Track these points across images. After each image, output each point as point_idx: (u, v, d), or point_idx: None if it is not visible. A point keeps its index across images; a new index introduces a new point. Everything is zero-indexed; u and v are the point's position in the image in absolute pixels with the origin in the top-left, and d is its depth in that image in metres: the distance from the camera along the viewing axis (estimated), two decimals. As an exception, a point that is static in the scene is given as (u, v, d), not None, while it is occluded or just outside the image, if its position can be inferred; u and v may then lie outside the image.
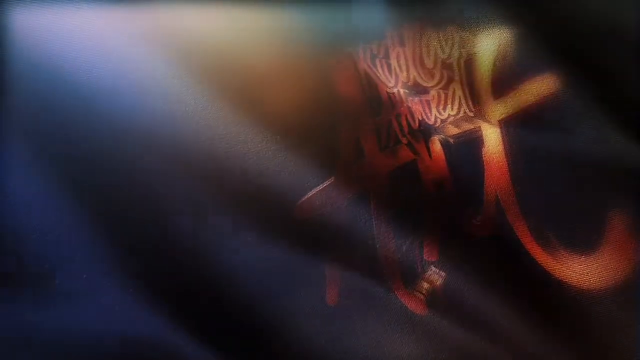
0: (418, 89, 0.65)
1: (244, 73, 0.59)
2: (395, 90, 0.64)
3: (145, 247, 0.58)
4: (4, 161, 0.55)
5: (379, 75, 0.63)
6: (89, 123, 0.56)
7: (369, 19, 0.62)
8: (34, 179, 0.55)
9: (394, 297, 0.63)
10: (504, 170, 0.65)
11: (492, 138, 0.66)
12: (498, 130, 0.65)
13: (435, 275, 0.65)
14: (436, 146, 0.65)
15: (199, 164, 0.59)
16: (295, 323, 0.61)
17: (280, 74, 0.60)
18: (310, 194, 0.61)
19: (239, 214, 0.59)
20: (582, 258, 0.64)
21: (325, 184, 0.61)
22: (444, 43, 0.65)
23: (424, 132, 0.65)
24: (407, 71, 0.64)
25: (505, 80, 0.65)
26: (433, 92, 0.65)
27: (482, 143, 0.66)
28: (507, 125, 0.65)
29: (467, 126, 0.66)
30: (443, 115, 0.66)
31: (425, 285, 0.64)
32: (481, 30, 0.65)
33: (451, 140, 0.65)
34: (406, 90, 0.64)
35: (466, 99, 0.66)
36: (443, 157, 0.65)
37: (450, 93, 0.66)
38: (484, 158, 0.65)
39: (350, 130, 0.62)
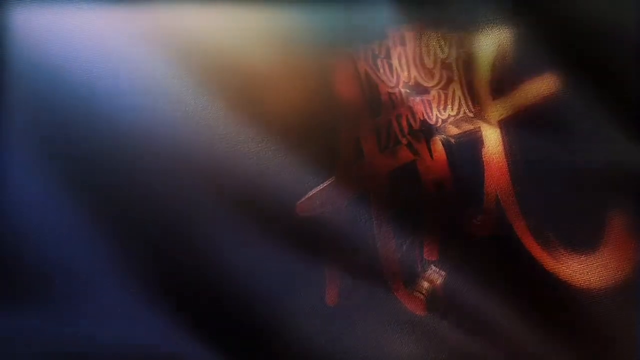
0: (419, 89, 0.65)
1: (244, 73, 0.59)
2: (396, 90, 0.64)
3: (145, 247, 0.58)
4: (3, 161, 0.55)
5: (379, 75, 0.63)
6: (89, 123, 0.56)
7: (370, 19, 0.63)
8: (33, 178, 0.55)
9: (394, 297, 0.63)
10: (504, 171, 0.65)
11: (492, 138, 0.66)
12: (498, 130, 0.65)
13: (436, 275, 0.65)
14: (438, 146, 0.65)
15: (199, 164, 0.59)
16: (295, 323, 0.61)
17: (281, 74, 0.60)
18: (310, 194, 0.61)
19: (238, 214, 0.59)
20: (582, 257, 0.64)
21: (325, 184, 0.61)
22: (442, 43, 0.65)
23: (425, 132, 0.65)
24: (408, 71, 0.64)
25: (504, 80, 0.65)
26: (433, 92, 0.65)
27: (482, 143, 0.66)
28: (507, 125, 0.65)
29: (467, 126, 0.66)
30: (444, 115, 0.66)
31: (426, 284, 0.64)
32: (480, 30, 0.65)
33: (452, 140, 0.65)
34: (407, 90, 0.64)
35: (466, 99, 0.66)
36: (444, 157, 0.65)
37: (450, 93, 0.66)
38: (484, 158, 0.65)
39: (350, 131, 0.62)
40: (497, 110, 0.66)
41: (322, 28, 0.61)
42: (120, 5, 0.57)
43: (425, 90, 0.65)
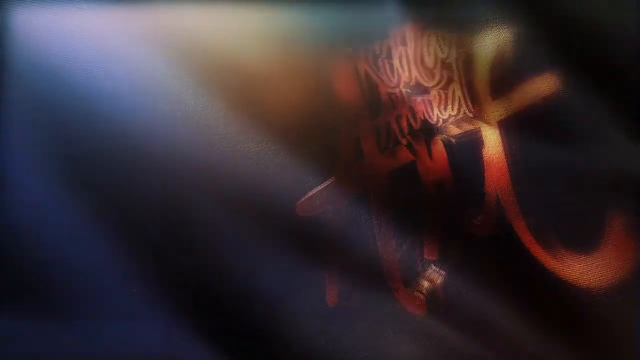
0: (420, 89, 0.65)
1: (244, 73, 0.59)
2: (396, 90, 0.64)
3: (145, 247, 0.58)
4: (3, 160, 0.55)
5: (380, 75, 0.63)
6: (88, 123, 0.56)
7: (371, 19, 0.63)
8: (33, 178, 0.55)
9: (394, 297, 0.63)
10: (504, 171, 0.65)
11: (492, 139, 0.66)
12: (497, 131, 0.65)
13: (436, 274, 0.65)
14: (438, 146, 0.65)
15: (199, 164, 0.59)
16: (296, 323, 0.61)
17: (281, 74, 0.60)
18: (310, 194, 0.61)
19: (238, 214, 0.59)
20: (582, 257, 0.64)
21: (325, 184, 0.61)
22: (442, 43, 0.65)
23: (426, 133, 0.65)
24: (409, 71, 0.64)
25: (504, 80, 0.65)
26: (434, 92, 0.65)
27: (483, 143, 0.66)
28: (507, 126, 0.65)
29: (468, 127, 0.66)
30: (444, 115, 0.66)
31: (426, 284, 0.64)
32: (480, 30, 0.65)
33: (453, 140, 0.65)
34: (408, 90, 0.64)
35: (465, 99, 0.66)
36: (445, 157, 0.65)
37: (450, 93, 0.66)
38: (484, 158, 0.65)
39: (350, 131, 0.62)
40: (497, 110, 0.66)
41: (322, 28, 0.61)
42: (120, 5, 0.57)
43: (425, 90, 0.65)
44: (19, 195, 0.55)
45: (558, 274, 0.64)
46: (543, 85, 0.64)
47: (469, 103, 0.66)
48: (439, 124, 0.66)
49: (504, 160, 0.65)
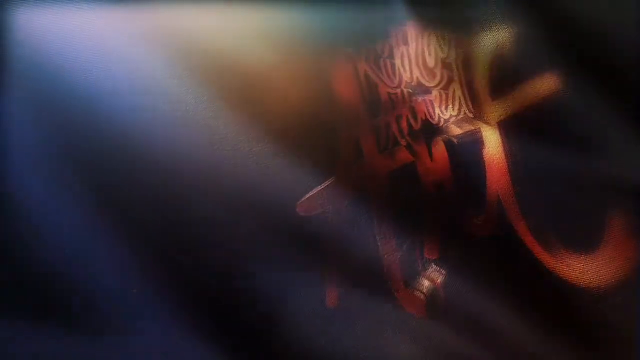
0: (421, 89, 0.65)
1: (244, 73, 0.59)
2: (397, 90, 0.64)
3: (145, 247, 0.57)
4: (3, 160, 0.55)
5: (380, 75, 0.63)
6: (89, 123, 0.56)
7: (372, 19, 0.63)
8: (33, 178, 0.55)
9: (394, 297, 0.63)
10: (504, 171, 0.65)
11: (492, 139, 0.66)
12: (497, 131, 0.66)
13: (436, 273, 0.65)
14: (439, 146, 0.65)
15: (199, 164, 0.59)
16: (295, 324, 0.61)
17: (281, 75, 0.60)
18: (310, 194, 0.61)
19: (238, 214, 0.59)
20: (582, 257, 0.64)
21: (325, 184, 0.61)
22: (443, 42, 0.65)
23: (426, 133, 0.65)
24: (411, 71, 0.64)
25: (504, 81, 0.65)
26: (435, 92, 0.65)
27: (483, 144, 0.66)
28: (507, 126, 0.65)
29: (468, 127, 0.66)
30: (445, 115, 0.66)
31: (426, 283, 0.64)
32: (480, 30, 0.65)
33: (454, 140, 0.65)
34: (409, 90, 0.64)
35: (466, 99, 0.66)
36: (446, 157, 0.65)
37: (450, 93, 0.66)
38: (485, 159, 0.65)
39: (350, 131, 0.62)
40: (497, 111, 0.66)
41: (322, 28, 0.61)
42: (120, 5, 0.57)
43: (427, 90, 0.65)
44: (19, 195, 0.55)
45: (558, 274, 0.64)
46: (543, 85, 0.64)
47: (469, 103, 0.66)
48: (441, 124, 0.66)
49: (504, 160, 0.65)
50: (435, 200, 0.65)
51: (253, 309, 0.60)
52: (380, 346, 0.63)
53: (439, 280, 0.64)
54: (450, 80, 0.65)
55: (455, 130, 0.66)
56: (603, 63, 0.63)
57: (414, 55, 0.64)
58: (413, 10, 0.63)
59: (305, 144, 0.61)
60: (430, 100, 0.65)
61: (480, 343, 0.63)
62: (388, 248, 0.63)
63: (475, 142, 0.66)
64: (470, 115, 0.66)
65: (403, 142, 0.65)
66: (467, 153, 0.65)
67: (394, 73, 0.64)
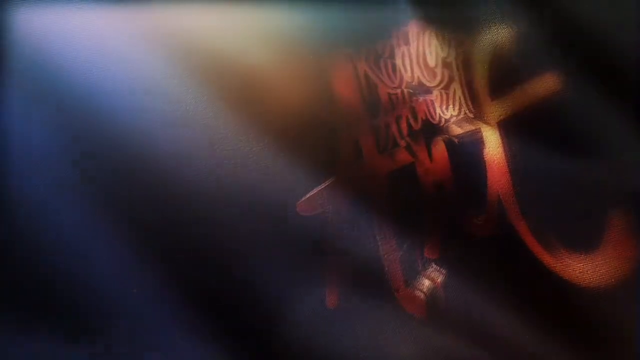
0: (422, 89, 0.65)
1: (244, 73, 0.59)
2: (397, 90, 0.64)
3: (144, 247, 0.57)
4: (3, 160, 0.55)
5: (379, 76, 0.63)
6: (88, 123, 0.56)
7: (373, 19, 0.63)
8: (33, 178, 0.55)
9: (395, 297, 0.63)
10: (504, 171, 0.65)
11: (492, 139, 0.66)
12: (497, 131, 0.66)
13: (436, 273, 0.64)
14: (439, 147, 0.65)
15: (199, 164, 0.59)
16: (296, 324, 0.61)
17: (281, 75, 0.60)
18: (310, 194, 0.61)
19: (238, 214, 0.59)
20: (582, 257, 0.64)
21: (325, 184, 0.61)
22: (443, 42, 0.65)
23: (427, 133, 0.65)
24: (412, 71, 0.64)
25: (503, 81, 0.65)
26: (436, 92, 0.65)
27: (483, 144, 0.66)
28: (507, 126, 0.65)
29: (468, 127, 0.66)
30: (446, 115, 0.66)
31: (426, 282, 0.64)
32: (480, 30, 0.65)
33: (455, 140, 0.65)
34: (410, 90, 0.64)
35: (466, 99, 0.66)
36: (446, 157, 0.65)
37: (451, 93, 0.66)
38: (485, 159, 0.65)
39: (350, 131, 0.62)
40: (496, 111, 0.66)
41: (323, 29, 0.61)
42: (120, 5, 0.57)
43: (428, 90, 0.65)
44: (19, 195, 0.55)
45: (558, 274, 0.64)
46: (543, 85, 0.64)
47: (469, 103, 0.66)
48: (441, 124, 0.66)
49: (504, 160, 0.65)
50: (435, 200, 0.65)
51: (253, 309, 0.60)
52: (380, 346, 0.63)
53: (439, 280, 0.64)
54: (450, 80, 0.65)
55: (456, 130, 0.66)
56: (603, 63, 0.63)
57: (415, 55, 0.64)
58: (414, 10, 0.63)
59: (305, 144, 0.61)
60: (431, 100, 0.65)
61: (481, 343, 0.63)
62: (388, 248, 0.63)
63: (475, 142, 0.66)
64: (471, 115, 0.66)
65: (402, 144, 0.65)
66: (467, 153, 0.65)
67: (394, 73, 0.64)
